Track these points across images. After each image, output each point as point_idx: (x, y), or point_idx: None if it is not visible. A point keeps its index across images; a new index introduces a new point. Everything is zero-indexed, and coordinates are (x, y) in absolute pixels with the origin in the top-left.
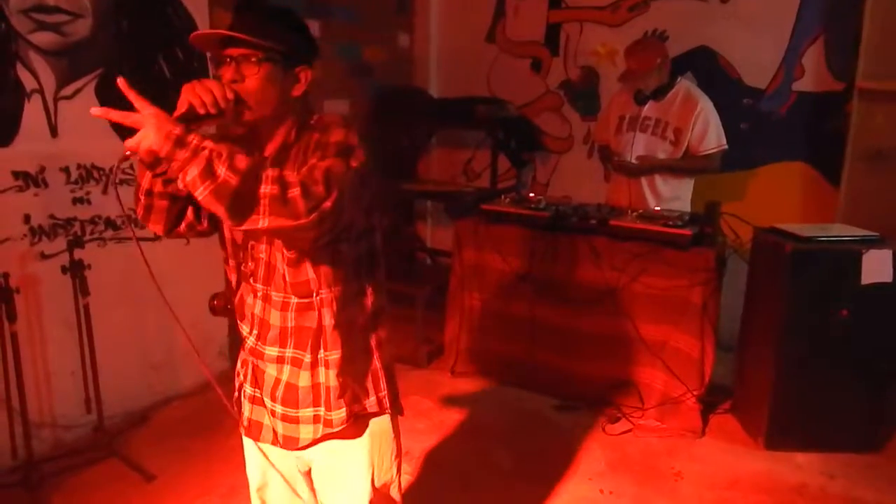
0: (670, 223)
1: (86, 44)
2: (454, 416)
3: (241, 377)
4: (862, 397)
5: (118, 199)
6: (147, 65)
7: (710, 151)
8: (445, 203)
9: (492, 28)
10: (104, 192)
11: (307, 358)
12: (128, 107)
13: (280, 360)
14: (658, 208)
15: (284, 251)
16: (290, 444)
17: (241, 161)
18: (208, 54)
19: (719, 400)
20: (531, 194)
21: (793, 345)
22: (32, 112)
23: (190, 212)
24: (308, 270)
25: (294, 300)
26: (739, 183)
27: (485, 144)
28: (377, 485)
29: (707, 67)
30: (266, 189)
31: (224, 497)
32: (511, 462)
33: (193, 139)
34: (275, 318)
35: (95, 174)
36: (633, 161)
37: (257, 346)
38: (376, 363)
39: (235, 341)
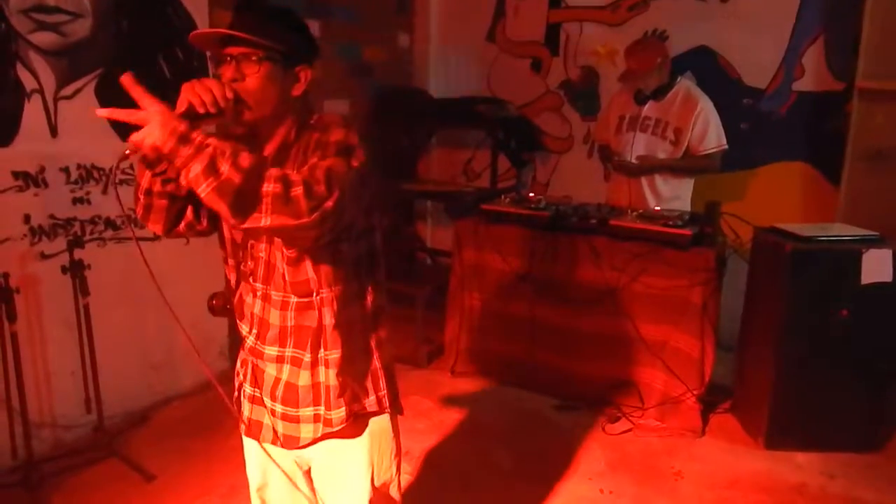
0: (670, 223)
1: (86, 44)
2: (454, 416)
3: (241, 377)
4: (862, 397)
5: (118, 199)
6: (147, 65)
7: (710, 151)
8: (445, 203)
9: (492, 28)
10: (104, 192)
11: (307, 357)
12: (129, 105)
13: (280, 360)
14: (658, 208)
15: (284, 250)
16: (291, 443)
17: (245, 159)
18: (208, 54)
19: (719, 400)
20: (531, 194)
21: (793, 345)
22: (32, 112)
23: (189, 211)
24: (308, 270)
25: (294, 299)
26: (739, 183)
27: (485, 144)
28: (377, 484)
29: (707, 67)
30: (268, 187)
31: (224, 497)
32: (511, 462)
33: (197, 136)
34: (274, 317)
35: (95, 174)
36: (634, 161)
37: (257, 346)
38: (376, 363)
39: (235, 341)
